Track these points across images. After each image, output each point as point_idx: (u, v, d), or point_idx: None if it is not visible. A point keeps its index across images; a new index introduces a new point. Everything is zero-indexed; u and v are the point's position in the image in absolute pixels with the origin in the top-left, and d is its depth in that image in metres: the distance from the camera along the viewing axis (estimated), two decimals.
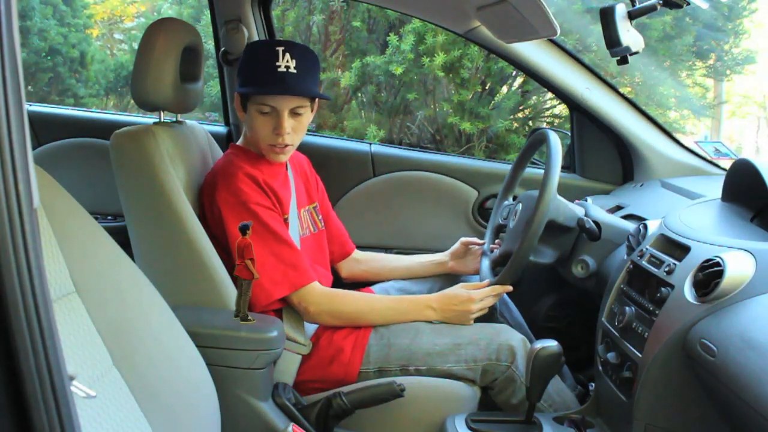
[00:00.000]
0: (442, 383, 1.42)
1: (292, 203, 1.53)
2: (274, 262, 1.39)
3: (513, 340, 1.44)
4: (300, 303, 1.43)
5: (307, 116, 1.48)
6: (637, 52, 1.38)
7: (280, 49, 1.41)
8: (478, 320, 1.55)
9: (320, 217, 1.67)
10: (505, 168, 2.09)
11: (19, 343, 0.52)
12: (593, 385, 1.55)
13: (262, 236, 1.39)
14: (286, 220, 1.48)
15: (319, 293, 1.44)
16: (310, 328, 1.50)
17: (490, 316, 1.68)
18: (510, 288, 1.51)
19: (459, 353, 1.43)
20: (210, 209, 1.43)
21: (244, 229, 1.21)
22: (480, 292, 1.49)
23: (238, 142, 1.57)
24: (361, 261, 1.80)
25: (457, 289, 1.50)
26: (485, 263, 1.66)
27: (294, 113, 1.44)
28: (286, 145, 1.46)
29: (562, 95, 1.98)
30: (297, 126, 1.46)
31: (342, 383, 1.42)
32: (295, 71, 1.41)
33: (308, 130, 1.77)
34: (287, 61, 1.40)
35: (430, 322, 1.50)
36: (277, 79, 1.40)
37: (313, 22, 4.11)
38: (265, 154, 1.49)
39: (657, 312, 1.15)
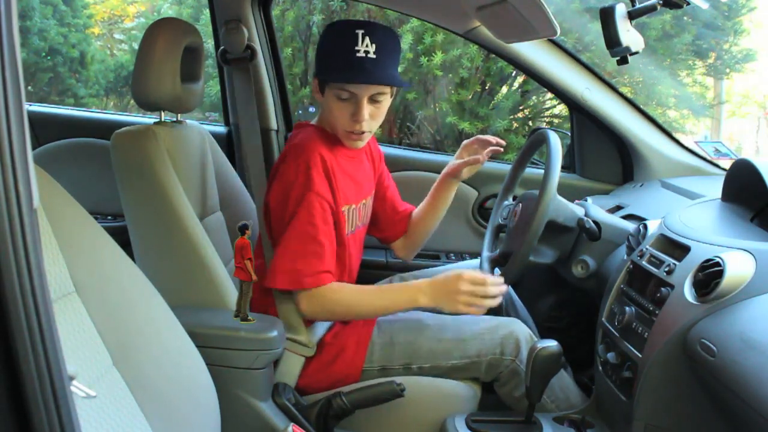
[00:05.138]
0: (443, 383, 1.42)
1: (352, 195, 1.48)
2: (298, 252, 1.35)
3: (518, 332, 1.44)
4: (298, 299, 1.39)
5: (386, 102, 1.42)
6: (637, 52, 1.38)
7: (360, 32, 1.34)
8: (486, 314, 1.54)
9: (369, 211, 1.61)
10: (505, 168, 2.09)
11: (19, 343, 0.52)
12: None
13: (302, 224, 1.35)
14: (343, 212, 1.44)
15: (312, 293, 1.38)
16: (322, 331, 1.48)
17: (497, 312, 1.68)
18: (505, 288, 1.41)
19: (463, 349, 1.42)
20: (271, 180, 1.40)
21: (242, 229, 1.21)
22: (472, 274, 1.36)
23: (314, 121, 1.51)
24: (408, 233, 1.73)
25: (449, 272, 1.41)
26: (485, 264, 1.66)
27: (373, 100, 1.38)
28: (363, 132, 1.41)
29: (562, 95, 1.98)
30: (375, 112, 1.40)
31: (345, 382, 1.42)
32: (374, 56, 1.34)
33: None
34: (366, 46, 1.34)
35: (440, 312, 1.47)
36: (356, 65, 1.34)
37: (313, 22, 4.10)
38: (342, 140, 1.44)
39: (657, 312, 1.15)
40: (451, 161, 1.65)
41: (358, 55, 1.33)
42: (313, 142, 1.40)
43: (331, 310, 1.42)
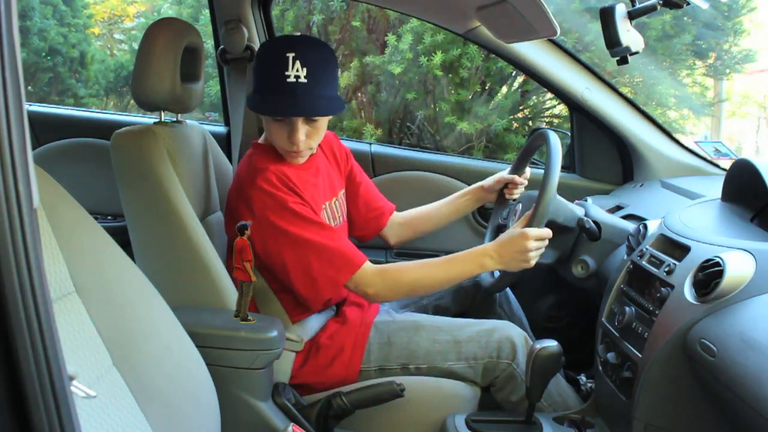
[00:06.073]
0: (443, 383, 1.43)
1: (320, 199, 1.48)
2: (334, 248, 1.36)
3: (513, 336, 1.44)
4: (357, 287, 1.38)
5: (323, 120, 1.40)
6: (637, 52, 1.38)
7: (290, 55, 1.31)
8: (477, 315, 1.54)
9: (344, 207, 1.61)
10: (504, 168, 2.09)
11: (19, 343, 0.52)
12: (583, 378, 1.55)
13: (310, 230, 1.35)
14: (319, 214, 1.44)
15: (372, 272, 1.38)
16: (312, 329, 1.49)
17: (490, 309, 1.68)
18: (549, 232, 1.41)
19: (459, 351, 1.43)
20: (250, 214, 1.36)
21: (242, 229, 1.21)
22: (536, 230, 1.38)
23: (261, 140, 1.50)
24: (405, 224, 1.75)
25: (510, 231, 1.41)
26: None
27: (309, 119, 1.37)
28: (302, 150, 1.40)
29: (562, 95, 1.99)
30: (312, 132, 1.38)
31: (343, 383, 1.42)
32: (305, 80, 1.31)
33: None
34: (297, 70, 1.31)
35: (445, 309, 1.48)
36: (285, 91, 1.31)
37: (313, 22, 4.10)
38: (284, 156, 1.43)
39: (657, 312, 1.15)
40: (501, 174, 1.73)
41: (288, 80, 1.31)
42: (262, 164, 1.38)
43: (396, 285, 1.41)
